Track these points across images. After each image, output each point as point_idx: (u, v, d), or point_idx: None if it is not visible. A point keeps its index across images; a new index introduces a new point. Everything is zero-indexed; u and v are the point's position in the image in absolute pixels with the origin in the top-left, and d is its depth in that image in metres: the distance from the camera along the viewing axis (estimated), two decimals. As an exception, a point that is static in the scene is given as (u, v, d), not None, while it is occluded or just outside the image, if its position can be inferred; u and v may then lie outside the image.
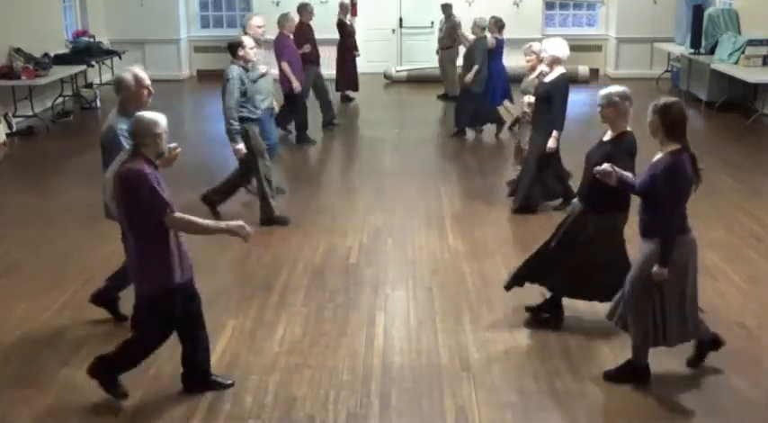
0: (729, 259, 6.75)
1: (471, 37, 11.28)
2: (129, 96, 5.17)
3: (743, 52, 12.49)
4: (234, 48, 7.56)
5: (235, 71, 7.46)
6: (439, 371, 5.02)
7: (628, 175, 4.87)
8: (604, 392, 4.77)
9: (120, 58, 14.94)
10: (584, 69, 15.59)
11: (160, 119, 4.43)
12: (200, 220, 4.51)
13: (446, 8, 13.87)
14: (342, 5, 13.53)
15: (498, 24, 11.33)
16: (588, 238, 5.27)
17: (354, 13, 15.42)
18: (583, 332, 5.51)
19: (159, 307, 4.49)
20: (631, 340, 4.84)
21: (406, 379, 4.93)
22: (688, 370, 5.00)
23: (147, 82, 5.21)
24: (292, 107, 10.97)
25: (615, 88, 5.12)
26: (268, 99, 8.84)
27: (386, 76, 15.86)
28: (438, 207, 8.26)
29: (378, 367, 5.06)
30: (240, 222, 4.51)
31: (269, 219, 7.70)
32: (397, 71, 15.89)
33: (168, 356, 5.15)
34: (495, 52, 11.22)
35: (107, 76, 15.35)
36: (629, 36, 15.93)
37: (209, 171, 9.17)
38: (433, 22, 15.71)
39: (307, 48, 11.15)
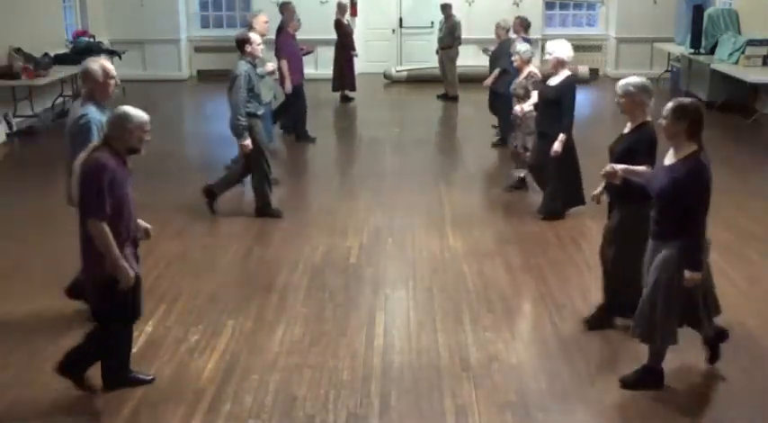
0: (729, 259, 6.74)
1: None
2: (96, 87, 5.23)
3: (743, 52, 12.49)
4: (241, 43, 7.62)
5: (243, 67, 7.52)
6: (439, 371, 5.02)
7: (638, 169, 4.85)
8: (604, 392, 4.77)
9: (120, 58, 14.93)
10: (583, 69, 15.58)
11: (135, 114, 4.43)
12: (112, 244, 4.35)
13: (446, 8, 13.88)
14: (340, 5, 13.54)
15: (524, 24, 10.98)
16: (616, 232, 5.28)
17: (354, 13, 15.44)
18: (582, 331, 5.51)
19: (109, 293, 4.45)
20: (652, 346, 4.71)
21: (406, 379, 4.93)
22: (686, 370, 5.00)
23: (114, 73, 5.29)
24: (291, 105, 10.99)
25: (633, 79, 5.11)
26: (269, 95, 8.94)
27: (386, 76, 15.85)
28: (438, 207, 8.25)
29: (378, 367, 5.06)
30: (131, 274, 4.43)
31: (264, 211, 7.81)
32: (397, 71, 15.89)
33: (168, 358, 5.16)
34: None
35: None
36: (629, 36, 15.94)
37: (210, 170, 9.16)
38: (433, 22, 15.70)
39: (310, 48, 11.29)
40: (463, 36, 14.03)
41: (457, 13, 14.13)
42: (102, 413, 4.55)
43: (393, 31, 16.61)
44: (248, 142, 7.53)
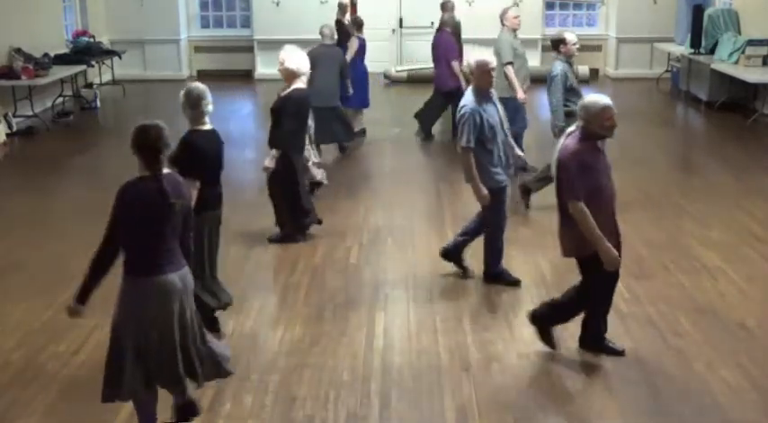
0: (729, 259, 6.74)
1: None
2: (473, 78, 6.07)
3: (743, 52, 12.49)
4: (557, 43, 7.74)
5: (559, 67, 7.60)
6: (439, 371, 5.02)
7: None
8: (605, 392, 4.78)
9: (120, 58, 14.94)
10: (584, 69, 15.57)
11: (597, 101, 4.80)
12: (595, 227, 4.73)
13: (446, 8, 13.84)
14: (340, 5, 13.52)
15: (358, 22, 10.68)
16: None
17: (354, 13, 15.42)
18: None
19: (590, 265, 4.90)
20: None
21: (406, 379, 4.93)
22: (689, 370, 5.00)
23: (488, 67, 5.98)
24: (444, 106, 11.07)
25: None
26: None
27: (386, 76, 15.85)
28: (438, 207, 8.26)
29: (378, 367, 5.06)
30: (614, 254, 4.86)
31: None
32: (397, 71, 15.89)
33: (168, 356, 5.15)
34: (359, 53, 10.91)
35: (107, 76, 15.36)
36: (629, 36, 15.92)
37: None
38: (432, 22, 15.66)
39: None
40: (463, 36, 13.99)
41: (457, 13, 14.10)
42: (102, 413, 4.54)
43: (393, 31, 16.61)
44: None
